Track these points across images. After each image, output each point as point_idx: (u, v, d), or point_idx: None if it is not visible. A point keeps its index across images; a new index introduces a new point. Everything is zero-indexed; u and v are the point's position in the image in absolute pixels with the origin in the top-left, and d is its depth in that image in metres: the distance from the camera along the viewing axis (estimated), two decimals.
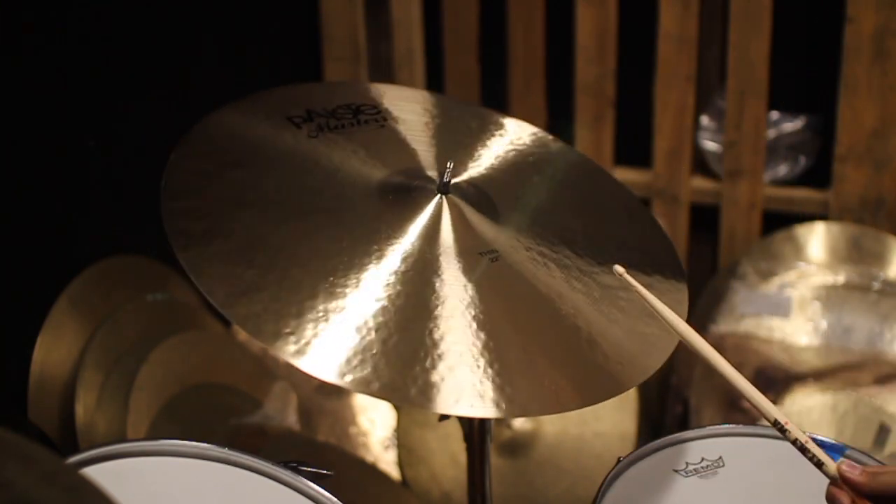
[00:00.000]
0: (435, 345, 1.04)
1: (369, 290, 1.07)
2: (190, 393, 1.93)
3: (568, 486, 1.98)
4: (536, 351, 1.11)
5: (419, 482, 2.06)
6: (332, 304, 1.05)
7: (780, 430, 0.98)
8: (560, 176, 1.40)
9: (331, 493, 1.15)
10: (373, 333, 1.04)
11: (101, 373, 1.82)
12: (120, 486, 1.03)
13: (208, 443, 1.17)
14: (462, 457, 1.41)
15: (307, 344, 1.01)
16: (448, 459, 2.03)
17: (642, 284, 1.11)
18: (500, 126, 1.41)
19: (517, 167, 1.36)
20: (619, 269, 1.12)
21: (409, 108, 1.37)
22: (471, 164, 1.32)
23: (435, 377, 1.02)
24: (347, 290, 1.06)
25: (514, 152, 1.37)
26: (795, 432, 0.98)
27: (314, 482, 1.16)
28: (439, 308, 1.08)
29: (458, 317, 1.07)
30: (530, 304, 1.16)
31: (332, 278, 1.07)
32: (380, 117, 1.33)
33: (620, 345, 1.15)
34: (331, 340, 1.02)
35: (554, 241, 1.23)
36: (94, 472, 1.09)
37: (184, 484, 1.14)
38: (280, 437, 2.01)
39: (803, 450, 0.98)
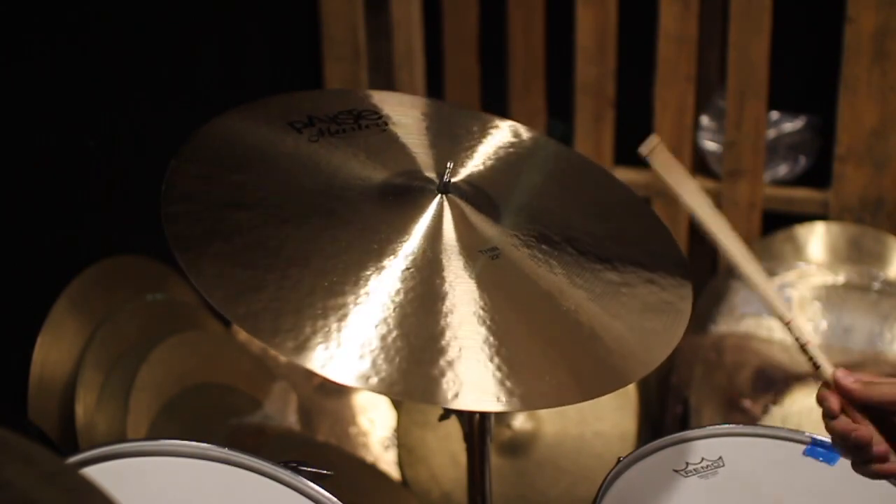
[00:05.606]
0: (450, 343, 1.06)
1: (384, 294, 1.08)
2: (190, 393, 1.92)
3: (568, 486, 1.98)
4: (541, 346, 1.12)
5: (419, 482, 2.05)
6: (350, 310, 1.05)
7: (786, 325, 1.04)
8: (559, 175, 1.41)
9: (331, 493, 1.15)
10: (392, 335, 1.05)
11: (101, 373, 1.82)
12: (120, 486, 1.03)
13: (208, 443, 1.17)
14: (462, 457, 1.41)
15: (333, 354, 1.02)
16: (448, 459, 2.03)
17: (644, 281, 1.12)
18: (495, 127, 1.41)
19: (514, 167, 1.36)
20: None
21: (406, 113, 1.37)
22: (467, 165, 1.32)
23: (454, 374, 1.03)
24: (365, 295, 1.07)
25: (509, 153, 1.38)
26: (797, 332, 1.03)
27: (314, 482, 1.16)
28: (450, 307, 1.09)
29: (468, 315, 1.08)
30: (532, 299, 1.16)
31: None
32: (381, 122, 1.33)
33: (623, 339, 1.16)
34: (353, 347, 1.03)
35: (555, 239, 1.24)
36: (94, 472, 1.09)
37: (184, 484, 1.14)
38: (280, 437, 2.00)
39: (803, 350, 1.03)
